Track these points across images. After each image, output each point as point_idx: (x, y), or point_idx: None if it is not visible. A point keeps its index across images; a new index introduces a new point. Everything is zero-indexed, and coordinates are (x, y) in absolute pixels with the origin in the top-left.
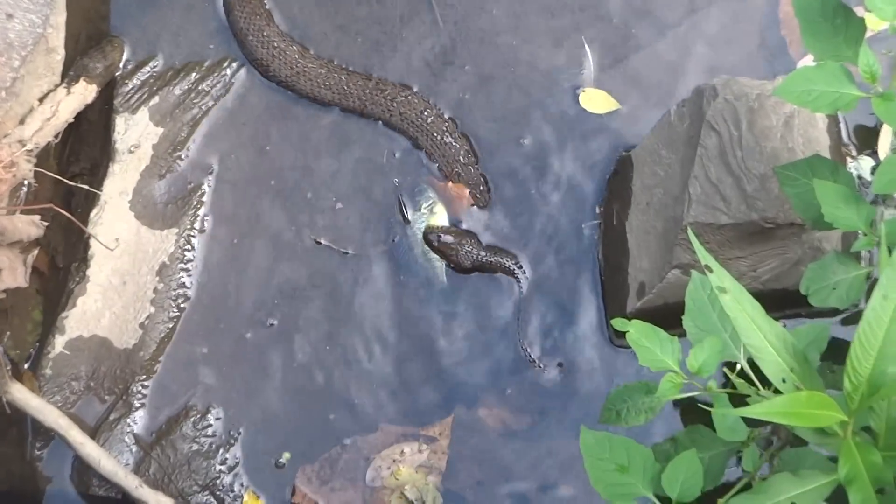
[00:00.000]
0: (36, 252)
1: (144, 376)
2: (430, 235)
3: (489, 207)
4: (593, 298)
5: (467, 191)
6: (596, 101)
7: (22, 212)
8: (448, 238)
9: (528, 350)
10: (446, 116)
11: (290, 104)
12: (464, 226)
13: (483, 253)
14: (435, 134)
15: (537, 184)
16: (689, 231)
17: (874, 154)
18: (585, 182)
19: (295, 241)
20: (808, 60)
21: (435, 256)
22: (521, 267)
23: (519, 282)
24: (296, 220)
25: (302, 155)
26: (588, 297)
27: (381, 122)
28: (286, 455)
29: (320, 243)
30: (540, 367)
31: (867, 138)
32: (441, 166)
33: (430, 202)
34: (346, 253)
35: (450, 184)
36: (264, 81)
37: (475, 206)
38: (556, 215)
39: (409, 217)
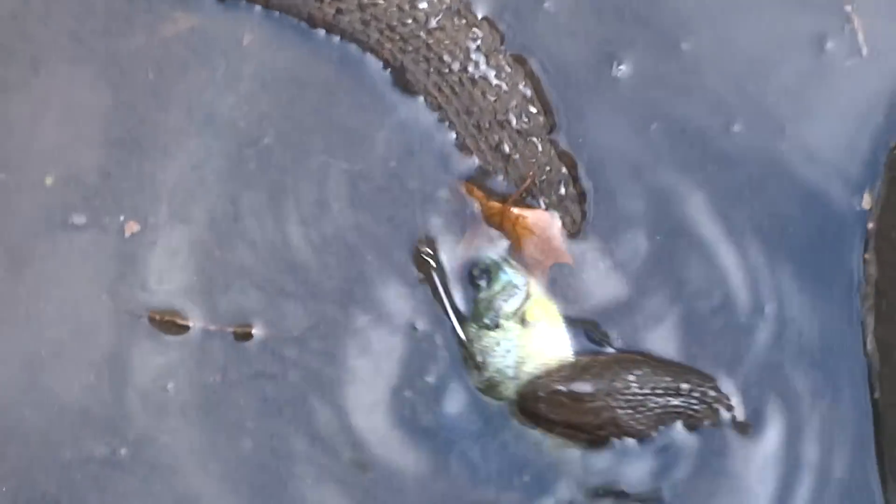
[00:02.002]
0: None
1: None
2: (532, 405)
3: (583, 237)
4: (863, 474)
5: (557, 221)
6: None
7: None
8: (583, 391)
9: None
10: (478, 15)
11: None
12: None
13: (671, 389)
14: (445, 57)
15: (710, 199)
16: None
17: None
18: (825, 211)
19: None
20: None
21: (537, 433)
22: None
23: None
24: None
25: None
26: (850, 472)
27: (323, 31)
28: None
29: None
30: None
31: None
32: (461, 134)
33: (516, 298)
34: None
35: (490, 203)
36: None
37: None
38: (758, 284)
39: (475, 356)
